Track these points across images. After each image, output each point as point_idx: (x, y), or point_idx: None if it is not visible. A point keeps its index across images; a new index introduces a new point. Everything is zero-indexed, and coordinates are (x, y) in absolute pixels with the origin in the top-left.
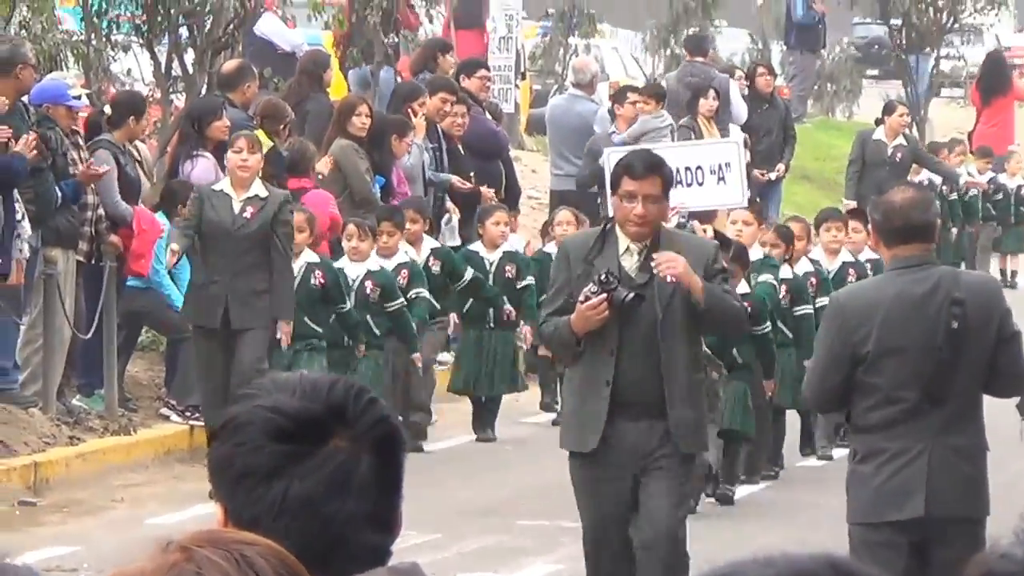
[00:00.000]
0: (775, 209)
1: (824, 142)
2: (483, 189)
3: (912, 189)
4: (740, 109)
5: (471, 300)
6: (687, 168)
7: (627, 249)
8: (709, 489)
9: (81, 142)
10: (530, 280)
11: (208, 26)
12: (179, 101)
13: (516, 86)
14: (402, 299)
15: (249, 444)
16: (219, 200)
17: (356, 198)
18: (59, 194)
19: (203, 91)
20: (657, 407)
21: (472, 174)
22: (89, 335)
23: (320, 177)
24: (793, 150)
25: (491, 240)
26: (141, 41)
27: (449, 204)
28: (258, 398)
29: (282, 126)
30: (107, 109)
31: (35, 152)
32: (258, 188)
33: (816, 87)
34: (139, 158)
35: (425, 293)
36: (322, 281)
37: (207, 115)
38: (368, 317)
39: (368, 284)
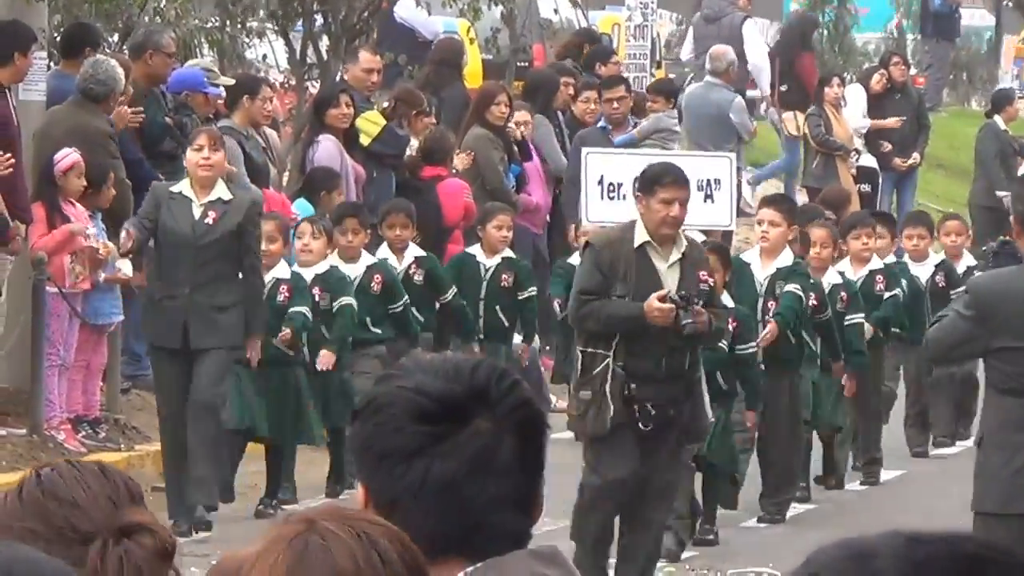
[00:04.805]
0: (910, 198)
1: (960, 131)
2: None
3: None
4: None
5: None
6: None
7: None
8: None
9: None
10: (532, 291)
11: (343, 13)
12: (314, 88)
13: (651, 75)
14: (351, 299)
15: (391, 424)
16: (178, 204)
17: (488, 187)
18: None
19: (337, 78)
20: None
21: None
22: None
23: (454, 171)
24: (927, 139)
25: (491, 245)
26: (276, 28)
27: None
28: (400, 379)
29: (415, 112)
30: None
31: None
32: (221, 191)
33: (952, 76)
34: (265, 144)
35: (400, 309)
36: (287, 296)
37: (325, 102)
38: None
39: (316, 291)
